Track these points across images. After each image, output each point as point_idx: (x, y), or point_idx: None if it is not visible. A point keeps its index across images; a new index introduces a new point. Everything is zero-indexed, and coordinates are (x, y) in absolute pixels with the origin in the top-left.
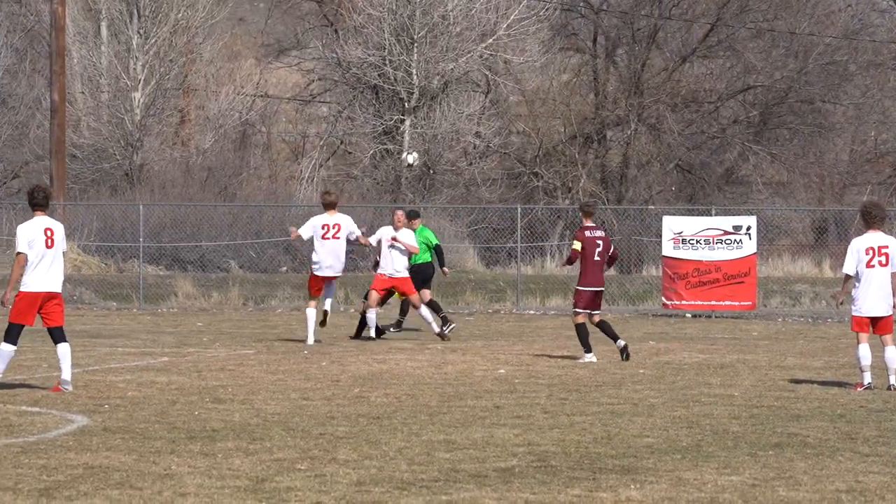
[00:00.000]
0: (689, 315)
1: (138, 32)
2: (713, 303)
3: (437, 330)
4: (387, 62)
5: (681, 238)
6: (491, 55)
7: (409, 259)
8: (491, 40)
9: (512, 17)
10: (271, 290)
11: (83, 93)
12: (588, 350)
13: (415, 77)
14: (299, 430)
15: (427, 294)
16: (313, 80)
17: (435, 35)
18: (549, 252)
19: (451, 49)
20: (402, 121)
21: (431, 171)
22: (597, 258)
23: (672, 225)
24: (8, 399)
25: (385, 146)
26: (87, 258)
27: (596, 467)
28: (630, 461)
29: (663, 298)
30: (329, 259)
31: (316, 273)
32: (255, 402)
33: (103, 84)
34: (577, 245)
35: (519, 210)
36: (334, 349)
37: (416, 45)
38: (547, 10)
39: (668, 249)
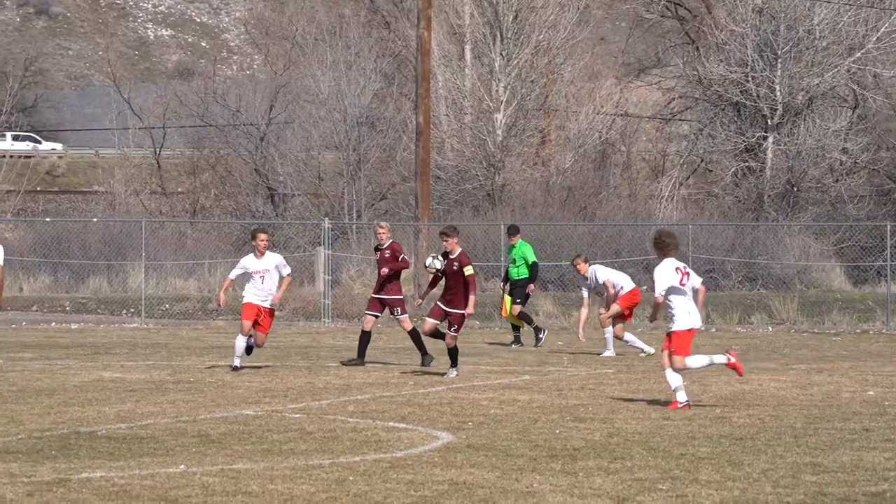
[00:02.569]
0: None
1: (501, 54)
2: None
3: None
4: (749, 78)
5: None
6: (859, 69)
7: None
8: (859, 54)
9: (882, 29)
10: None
11: (447, 115)
12: None
13: (778, 93)
14: (660, 450)
15: (517, 308)
16: (674, 98)
17: (800, 50)
18: None
19: (817, 64)
20: (765, 137)
21: (795, 189)
22: None
23: None
24: (377, 416)
25: (747, 163)
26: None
27: None
28: None
29: None
30: None
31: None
32: (615, 422)
33: (466, 106)
34: None
35: (888, 227)
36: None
37: (779, 60)
38: None
39: None
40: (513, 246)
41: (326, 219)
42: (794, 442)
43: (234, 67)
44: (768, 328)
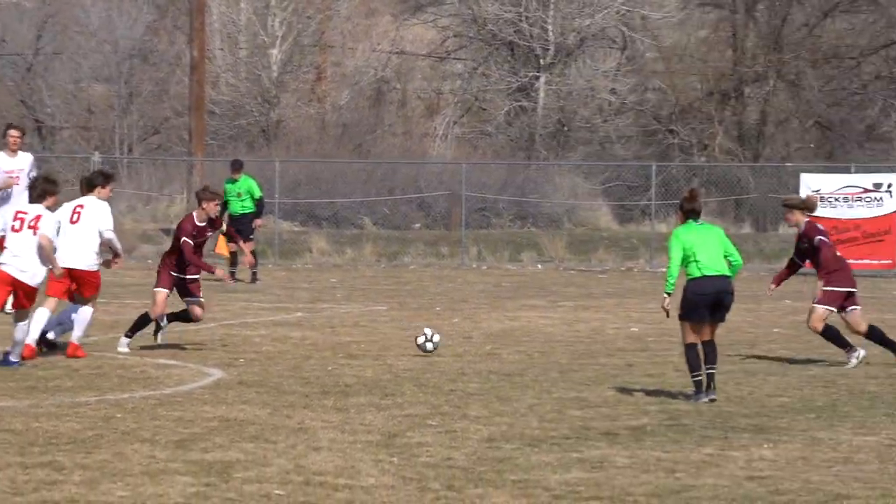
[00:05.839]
0: None
1: None
2: (852, 261)
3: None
4: (522, 18)
5: (819, 196)
6: (628, 11)
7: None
8: None
9: None
10: (404, 247)
11: (222, 49)
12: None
13: (550, 33)
14: (430, 386)
15: (251, 244)
16: (449, 37)
17: None
18: None
19: (588, 5)
20: (537, 77)
21: (566, 128)
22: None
23: (810, 182)
24: (146, 353)
25: (520, 103)
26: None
27: (728, 426)
28: (763, 420)
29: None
30: None
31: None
32: (388, 359)
33: (241, 40)
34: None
35: (654, 167)
36: (466, 306)
37: (552, 0)
38: None
39: None
40: (235, 180)
41: (97, 153)
42: (561, 377)
43: None
44: (538, 266)
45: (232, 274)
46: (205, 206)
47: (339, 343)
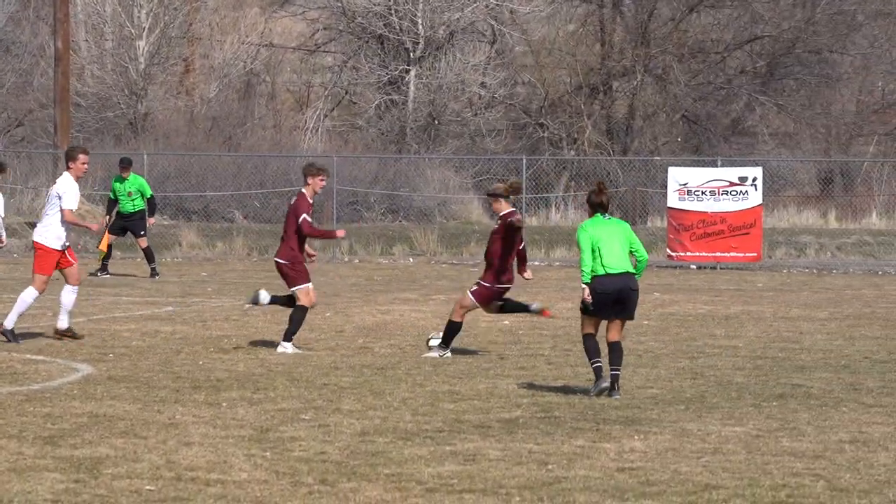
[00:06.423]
0: (693, 266)
1: None
2: (718, 254)
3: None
4: (392, 11)
5: (686, 189)
6: (497, 5)
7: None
8: None
9: None
10: (275, 241)
11: (87, 41)
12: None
13: (420, 27)
14: (303, 381)
15: (144, 241)
16: (318, 30)
17: None
18: (553, 203)
19: None
20: (408, 71)
21: (436, 122)
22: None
23: (677, 176)
24: (12, 347)
25: (390, 96)
26: (92, 207)
27: (600, 418)
28: (634, 412)
29: (668, 250)
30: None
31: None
32: (260, 353)
33: (107, 32)
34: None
35: (524, 161)
36: (339, 300)
37: None
38: None
39: (673, 201)
40: (125, 179)
41: None
42: (434, 371)
43: None
44: (409, 259)
45: (104, 267)
46: (311, 181)
47: (210, 337)
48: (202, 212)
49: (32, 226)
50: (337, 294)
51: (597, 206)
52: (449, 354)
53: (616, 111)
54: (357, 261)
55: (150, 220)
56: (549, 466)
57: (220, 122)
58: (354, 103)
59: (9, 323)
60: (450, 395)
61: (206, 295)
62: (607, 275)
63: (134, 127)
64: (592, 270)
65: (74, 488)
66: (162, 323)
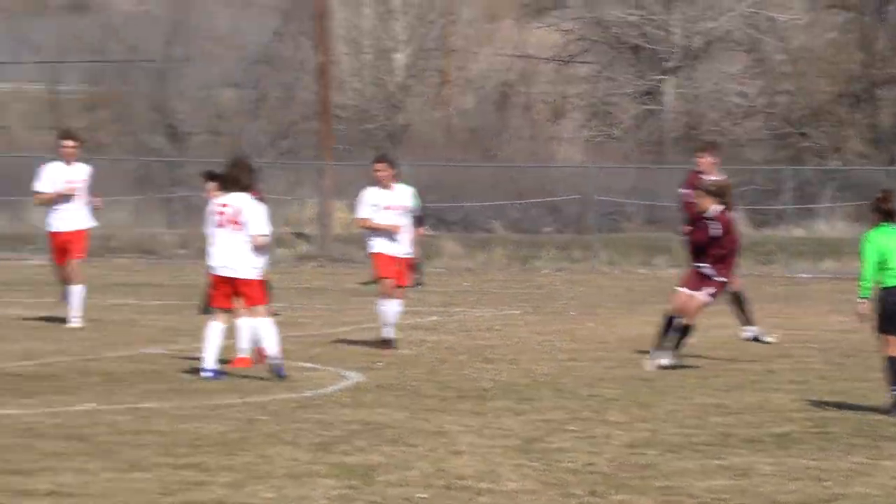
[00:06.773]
0: None
1: None
2: None
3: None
4: (646, 21)
5: None
6: (754, 13)
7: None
8: None
9: None
10: (535, 251)
11: (347, 54)
12: None
13: (675, 36)
14: (568, 391)
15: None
16: (573, 40)
17: None
18: (820, 214)
19: (712, 7)
20: (663, 81)
21: (695, 132)
22: None
23: None
24: (286, 355)
25: (647, 106)
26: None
27: (878, 435)
28: None
29: None
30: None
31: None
32: (523, 363)
33: (365, 45)
34: None
35: (787, 171)
36: (601, 310)
37: (675, 3)
38: None
39: None
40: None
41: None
42: (700, 383)
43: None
44: (670, 270)
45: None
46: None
47: (475, 347)
48: (461, 222)
49: (298, 236)
50: (598, 304)
51: (886, 215)
52: (676, 361)
53: (881, 120)
54: (617, 271)
55: (420, 231)
56: (826, 483)
57: (477, 133)
58: (610, 113)
59: None
60: (718, 408)
61: (468, 305)
62: None
63: (393, 138)
64: (881, 282)
65: (349, 494)
66: (427, 332)
